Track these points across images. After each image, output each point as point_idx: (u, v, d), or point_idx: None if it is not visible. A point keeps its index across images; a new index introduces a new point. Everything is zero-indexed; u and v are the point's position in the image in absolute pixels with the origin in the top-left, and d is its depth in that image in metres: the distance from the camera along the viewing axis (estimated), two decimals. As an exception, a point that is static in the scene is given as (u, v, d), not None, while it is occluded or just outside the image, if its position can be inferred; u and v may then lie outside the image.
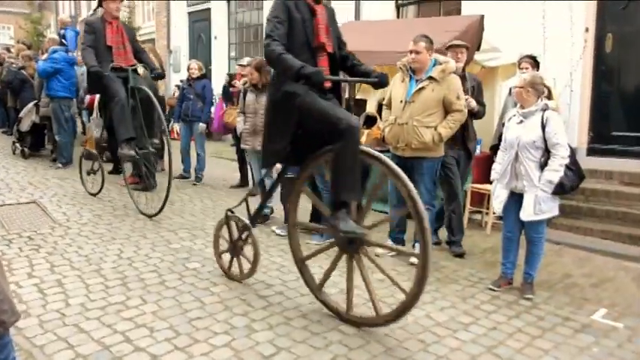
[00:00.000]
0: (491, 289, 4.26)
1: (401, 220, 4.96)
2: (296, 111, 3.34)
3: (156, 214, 5.72)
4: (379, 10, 8.98)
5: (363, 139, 6.54)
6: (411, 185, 3.17)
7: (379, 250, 4.96)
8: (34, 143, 9.17)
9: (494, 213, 5.46)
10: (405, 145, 4.68)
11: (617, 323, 3.77)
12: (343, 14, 9.36)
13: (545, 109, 4.05)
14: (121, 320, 3.44)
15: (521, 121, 4.11)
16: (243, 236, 4.05)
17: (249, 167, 7.37)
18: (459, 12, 7.96)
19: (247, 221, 3.99)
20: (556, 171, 3.96)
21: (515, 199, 4.17)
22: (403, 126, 4.65)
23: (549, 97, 5.09)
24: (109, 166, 8.37)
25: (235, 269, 4.19)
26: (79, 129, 9.95)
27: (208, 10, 13.51)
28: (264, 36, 3.41)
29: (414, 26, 6.57)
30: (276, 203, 5.93)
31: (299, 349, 3.20)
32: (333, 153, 3.24)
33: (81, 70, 9.77)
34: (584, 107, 6.77)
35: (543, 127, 3.99)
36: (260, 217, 5.93)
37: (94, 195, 6.52)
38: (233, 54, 12.93)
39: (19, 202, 6.22)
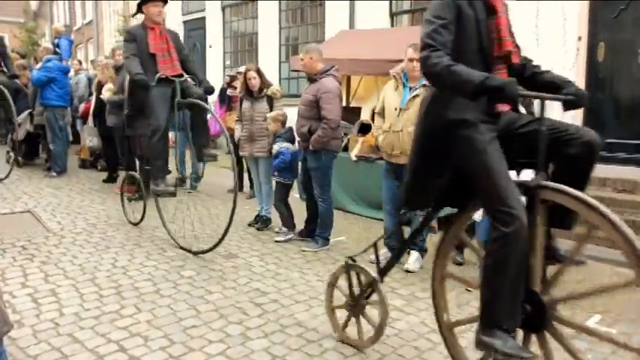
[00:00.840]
0: (468, 290, 4.27)
1: (396, 228, 4.96)
2: (459, 144, 2.51)
3: (208, 251, 4.94)
4: (373, 19, 9.03)
5: (358, 146, 6.58)
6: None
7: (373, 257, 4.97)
8: (28, 152, 9.15)
9: None
10: (400, 152, 4.70)
11: (611, 329, 3.78)
12: (337, 23, 9.47)
13: None
14: (116, 329, 3.43)
15: None
16: (367, 292, 3.27)
17: (245, 174, 7.43)
18: (452, 20, 8.00)
19: (374, 274, 3.19)
20: None
21: None
22: (398, 133, 4.68)
23: None
24: (103, 175, 8.39)
25: (352, 331, 3.36)
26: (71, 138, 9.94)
27: (203, 19, 13.55)
28: (420, 43, 2.51)
29: (408, 35, 6.61)
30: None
31: (294, 356, 3.20)
32: (484, 257, 2.43)
33: (75, 79, 9.79)
34: (577, 115, 6.81)
35: None
36: (263, 221, 5.98)
37: (135, 225, 5.83)
38: (228, 62, 12.96)
39: (14, 212, 6.20)
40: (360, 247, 5.34)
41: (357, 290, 3.31)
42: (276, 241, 5.52)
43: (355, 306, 3.31)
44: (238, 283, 4.34)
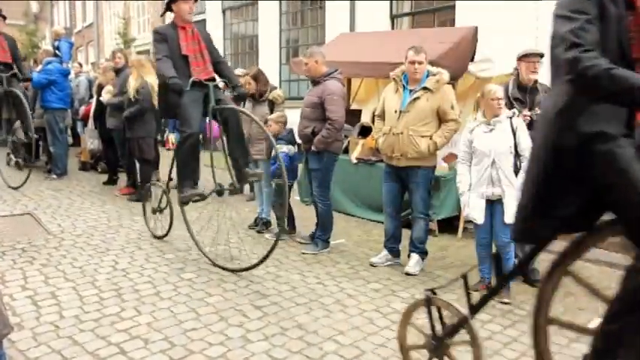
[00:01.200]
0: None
1: (396, 230, 4.96)
2: (597, 161, 2.12)
3: (254, 266, 4.56)
4: (374, 21, 9.04)
5: (358, 148, 6.58)
6: None
7: (374, 259, 4.97)
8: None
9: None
10: (400, 154, 4.69)
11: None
12: (338, 25, 9.48)
13: (511, 116, 4.25)
14: (116, 332, 3.42)
15: (492, 130, 4.21)
16: (454, 331, 2.75)
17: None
18: (453, 23, 8.02)
19: (464, 311, 2.70)
20: None
21: (488, 206, 4.25)
22: (398, 136, 4.67)
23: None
24: (104, 177, 8.39)
25: None
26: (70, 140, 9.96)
27: (204, 21, 13.57)
28: (563, 42, 2.09)
29: (409, 37, 6.61)
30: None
31: (295, 359, 3.20)
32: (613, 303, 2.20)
33: (75, 82, 9.81)
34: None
35: (514, 133, 4.19)
36: (263, 223, 5.96)
37: (161, 238, 5.49)
38: (228, 64, 12.99)
39: (14, 214, 6.20)
40: (360, 250, 5.36)
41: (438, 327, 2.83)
42: (266, 239, 5.56)
43: (439, 347, 2.76)
44: (238, 285, 4.34)
